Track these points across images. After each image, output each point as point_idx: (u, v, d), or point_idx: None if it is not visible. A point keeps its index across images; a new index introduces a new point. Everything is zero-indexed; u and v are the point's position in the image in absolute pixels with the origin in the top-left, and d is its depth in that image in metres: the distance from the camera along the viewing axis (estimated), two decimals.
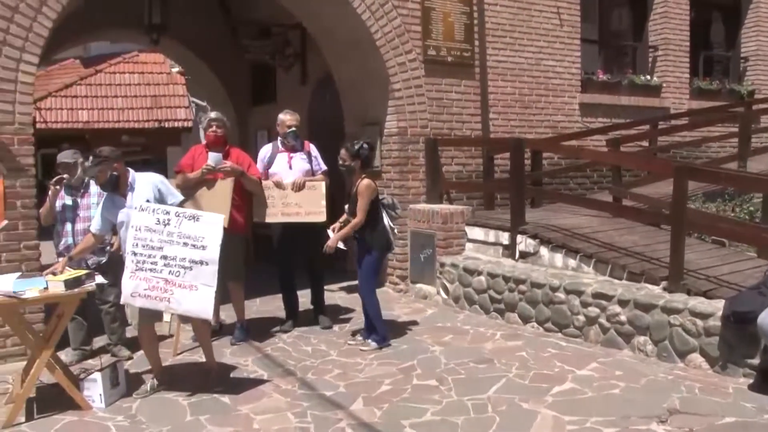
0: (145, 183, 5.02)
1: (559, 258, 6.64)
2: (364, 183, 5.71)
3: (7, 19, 5.63)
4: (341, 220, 5.95)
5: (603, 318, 5.72)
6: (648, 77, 10.53)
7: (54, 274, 4.71)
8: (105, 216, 4.99)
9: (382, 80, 7.79)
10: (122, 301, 4.91)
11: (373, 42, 7.59)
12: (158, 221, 4.70)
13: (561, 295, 6.05)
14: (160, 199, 4.99)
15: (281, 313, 6.78)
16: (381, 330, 5.90)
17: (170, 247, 4.68)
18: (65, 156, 5.63)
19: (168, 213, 4.74)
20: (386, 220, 5.89)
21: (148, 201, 4.88)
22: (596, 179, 9.65)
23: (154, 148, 16.48)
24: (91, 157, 4.96)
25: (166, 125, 15.96)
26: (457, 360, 5.47)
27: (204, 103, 14.58)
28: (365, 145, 5.82)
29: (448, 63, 8.14)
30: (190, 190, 5.82)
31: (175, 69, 16.39)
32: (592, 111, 9.69)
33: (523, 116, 9.00)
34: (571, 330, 6.00)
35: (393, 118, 7.85)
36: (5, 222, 5.61)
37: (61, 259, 5.04)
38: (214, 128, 6.02)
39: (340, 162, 5.84)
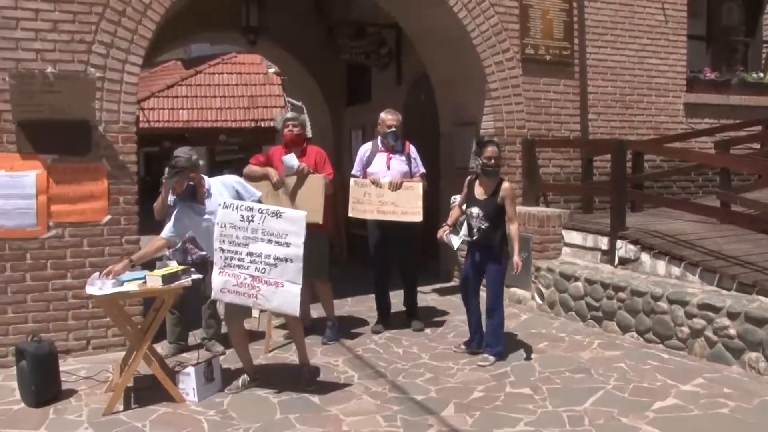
0: (221, 186, 5.03)
1: (661, 265, 6.31)
2: (509, 186, 5.47)
3: (114, 23, 5.86)
4: (450, 222, 5.79)
5: (709, 331, 5.39)
6: (761, 75, 9.89)
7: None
8: (179, 223, 4.97)
9: (479, 79, 7.65)
10: (213, 296, 4.95)
11: (470, 40, 7.46)
12: (242, 218, 4.71)
13: (663, 305, 5.75)
14: (240, 198, 5.00)
15: (373, 314, 6.76)
16: (502, 344, 5.57)
17: (255, 244, 4.69)
18: (182, 151, 5.77)
19: (251, 210, 4.73)
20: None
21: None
22: (701, 183, 9.18)
23: (250, 146, 16.90)
24: (167, 169, 4.94)
25: (262, 125, 16.31)
26: (552, 368, 5.29)
27: (299, 103, 14.82)
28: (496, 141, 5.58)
29: (546, 62, 7.90)
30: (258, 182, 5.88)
31: (272, 70, 16.76)
32: (697, 111, 9.19)
33: (624, 117, 8.64)
34: (673, 342, 5.69)
35: (489, 119, 7.69)
36: (108, 217, 5.83)
37: (124, 261, 4.94)
38: (290, 127, 6.03)
39: (492, 162, 5.39)
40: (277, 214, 4.68)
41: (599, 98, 8.41)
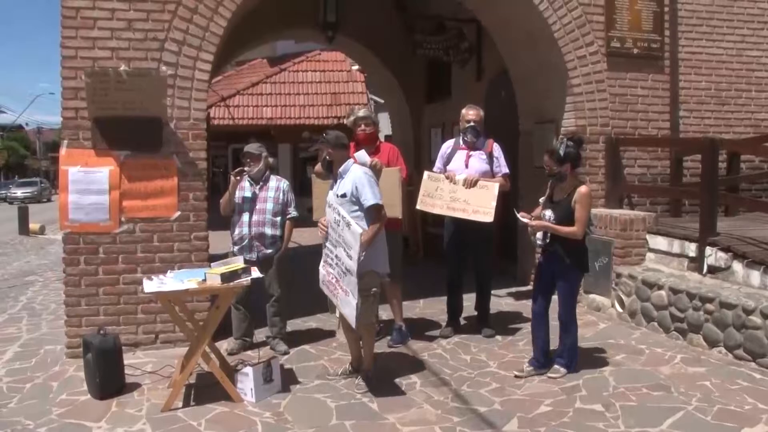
0: (350, 177, 4.94)
1: (756, 276, 5.81)
2: (585, 191, 4.95)
3: (186, 20, 5.89)
4: (532, 214, 5.28)
5: None
6: None
7: None
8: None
9: (560, 75, 7.30)
10: (320, 285, 5.05)
11: (551, 34, 7.12)
12: (335, 220, 4.77)
13: (756, 320, 5.28)
14: (357, 197, 4.89)
15: (444, 317, 6.56)
16: (575, 357, 5.23)
17: (339, 250, 4.73)
18: (251, 147, 5.83)
19: (339, 215, 4.73)
20: None
21: (344, 195, 4.87)
22: None
23: None
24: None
25: (345, 121, 16.25)
26: (628, 383, 4.94)
27: (382, 101, 14.74)
28: (570, 143, 4.97)
29: (633, 55, 7.45)
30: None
31: (355, 67, 16.76)
32: None
33: (719, 114, 8.08)
34: (767, 360, 5.22)
35: (571, 116, 7.32)
36: (178, 213, 5.87)
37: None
38: (362, 126, 5.97)
39: (546, 170, 5.07)
40: (348, 225, 4.62)
41: (691, 94, 7.90)
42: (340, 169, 4.98)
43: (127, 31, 5.75)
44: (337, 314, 5.85)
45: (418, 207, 6.22)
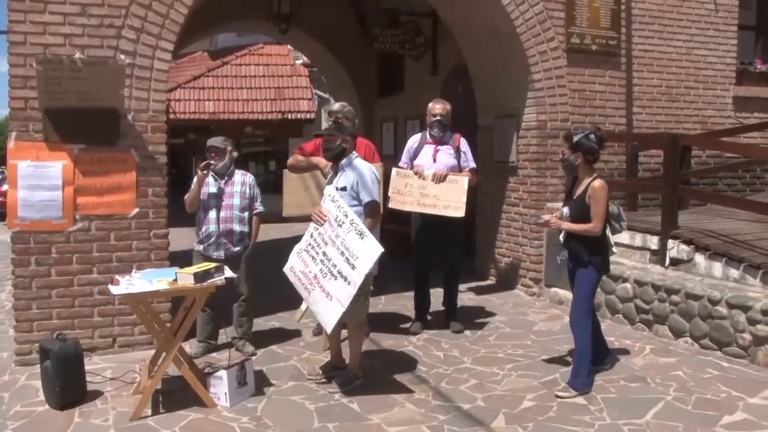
0: (353, 170, 4.84)
1: (718, 267, 5.95)
2: (598, 185, 4.66)
3: (145, 7, 5.59)
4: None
5: None
6: None
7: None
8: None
9: (521, 70, 7.29)
10: (284, 269, 4.85)
11: (513, 29, 7.10)
12: (336, 218, 4.57)
13: (722, 310, 5.39)
14: (357, 191, 4.80)
15: (408, 313, 6.46)
16: (585, 370, 4.70)
17: (332, 248, 4.54)
18: (216, 141, 5.55)
19: (347, 216, 4.52)
20: (607, 231, 4.84)
21: (345, 188, 4.77)
22: (749, 180, 8.78)
23: (275, 139, 16.65)
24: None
25: (289, 117, 16.00)
26: (605, 376, 4.96)
27: (326, 95, 14.55)
28: (592, 136, 4.69)
29: (592, 52, 7.51)
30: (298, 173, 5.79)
31: (299, 61, 16.49)
32: (747, 105, 8.77)
33: (670, 110, 8.25)
34: (733, 349, 5.33)
35: (532, 111, 7.33)
36: (136, 210, 5.58)
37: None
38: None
39: (561, 156, 4.93)
40: (362, 234, 4.41)
41: (644, 91, 8.04)
42: (343, 162, 4.84)
43: (81, 17, 5.41)
44: (302, 307, 5.66)
45: (390, 205, 6.09)
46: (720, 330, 5.41)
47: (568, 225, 4.76)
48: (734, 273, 5.80)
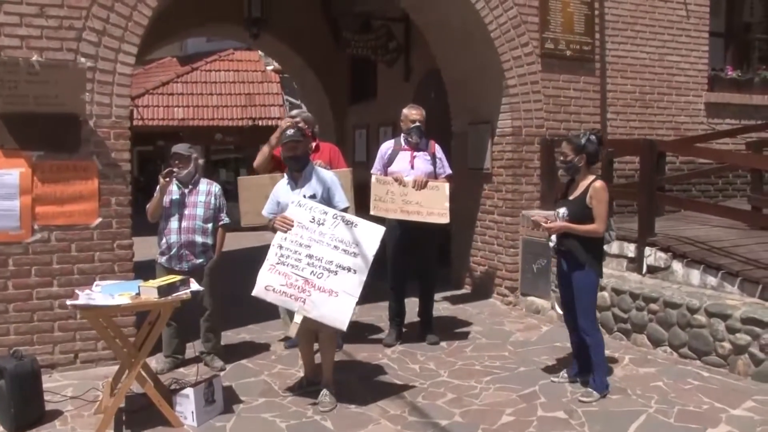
0: (320, 178, 4.79)
1: (695, 275, 5.87)
2: (600, 185, 4.65)
3: (107, 8, 5.37)
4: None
5: (755, 347, 4.95)
6: None
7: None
8: (275, 200, 4.81)
9: (496, 76, 7.19)
10: (254, 293, 4.57)
11: (488, 34, 6.99)
12: (313, 219, 4.53)
13: (701, 318, 5.31)
14: (327, 200, 4.73)
15: (382, 324, 6.29)
16: (603, 374, 4.76)
17: (319, 247, 4.46)
18: (180, 147, 5.35)
19: (326, 213, 4.54)
20: (607, 235, 4.82)
21: (314, 196, 4.70)
22: (721, 186, 8.79)
23: (246, 146, 16.40)
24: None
25: (260, 123, 15.79)
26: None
27: (298, 102, 14.36)
28: (592, 137, 4.71)
29: (566, 57, 7.44)
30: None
31: (270, 67, 16.29)
32: (719, 111, 8.78)
33: (644, 116, 8.21)
34: (713, 358, 5.25)
35: (507, 117, 7.23)
36: (98, 219, 5.35)
37: None
38: None
39: (561, 159, 4.82)
40: (351, 224, 4.47)
41: (618, 97, 7.99)
42: (306, 169, 4.77)
43: (38, 18, 5.17)
44: (296, 319, 5.46)
45: (372, 212, 5.90)
46: (699, 339, 5.33)
47: (572, 226, 4.67)
48: (712, 281, 5.73)
